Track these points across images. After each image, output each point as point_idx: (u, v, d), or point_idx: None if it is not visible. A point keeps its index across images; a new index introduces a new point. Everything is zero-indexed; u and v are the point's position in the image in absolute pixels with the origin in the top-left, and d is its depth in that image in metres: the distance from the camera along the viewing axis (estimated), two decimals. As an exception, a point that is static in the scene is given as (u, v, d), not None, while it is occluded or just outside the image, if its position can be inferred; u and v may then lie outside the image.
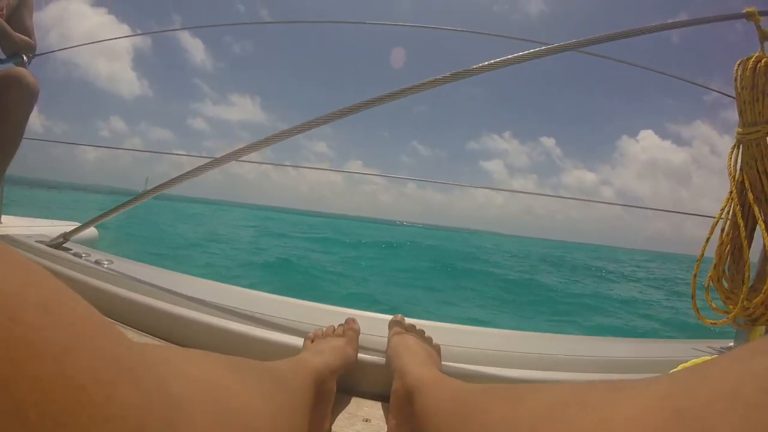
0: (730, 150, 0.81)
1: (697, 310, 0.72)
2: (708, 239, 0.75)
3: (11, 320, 0.12)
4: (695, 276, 0.73)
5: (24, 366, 0.11)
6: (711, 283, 0.75)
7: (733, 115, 0.82)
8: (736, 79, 0.78)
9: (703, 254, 0.74)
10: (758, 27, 0.77)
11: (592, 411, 0.17)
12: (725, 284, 0.77)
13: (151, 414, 0.15)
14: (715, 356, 0.17)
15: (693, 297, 0.73)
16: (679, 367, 0.41)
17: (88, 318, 0.15)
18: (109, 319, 0.82)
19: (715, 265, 0.78)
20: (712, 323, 0.72)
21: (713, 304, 0.76)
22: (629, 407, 0.16)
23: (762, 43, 0.78)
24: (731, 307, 0.72)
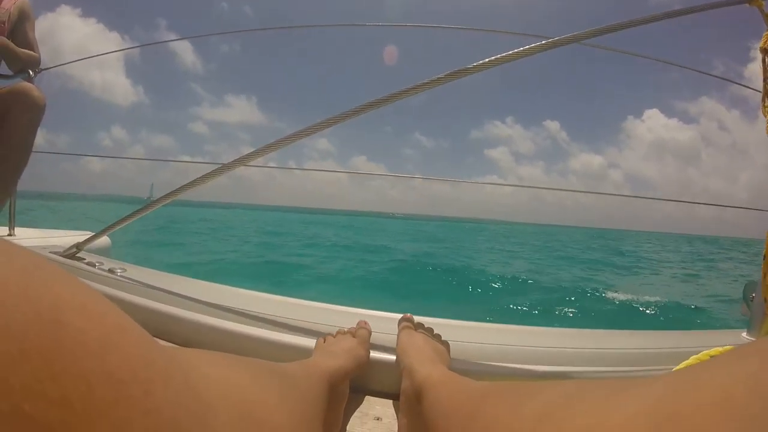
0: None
1: None
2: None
3: (56, 323, 0.13)
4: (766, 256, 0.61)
5: (69, 362, 0.12)
6: None
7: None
8: (764, 60, 0.72)
9: None
10: (762, 12, 0.76)
11: (586, 415, 0.18)
12: None
13: (183, 409, 0.16)
14: (706, 360, 0.18)
15: (764, 276, 0.61)
16: (691, 359, 0.41)
17: (122, 322, 0.16)
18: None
19: None
20: None
21: None
22: (621, 412, 0.16)
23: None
24: None
